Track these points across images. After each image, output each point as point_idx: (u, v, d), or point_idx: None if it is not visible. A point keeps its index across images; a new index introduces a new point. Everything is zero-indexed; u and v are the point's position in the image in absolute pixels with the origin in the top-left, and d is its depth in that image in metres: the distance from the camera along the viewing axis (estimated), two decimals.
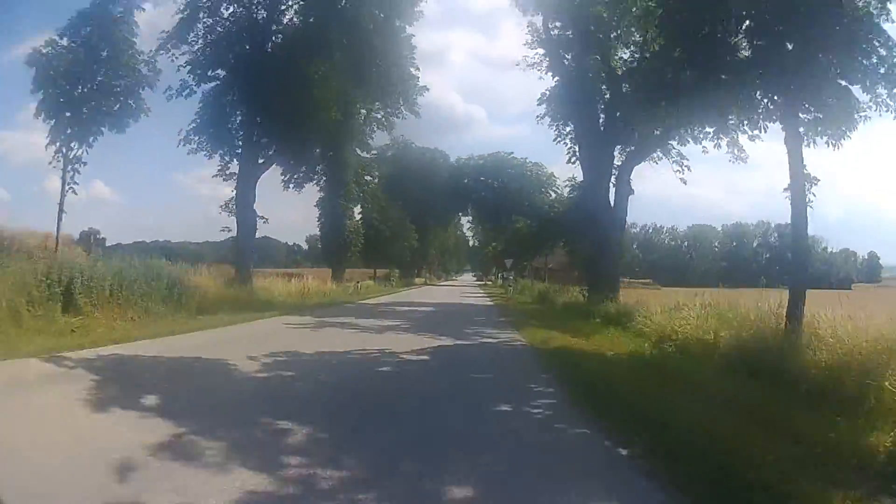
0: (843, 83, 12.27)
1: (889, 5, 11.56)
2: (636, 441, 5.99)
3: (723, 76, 13.41)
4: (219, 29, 28.25)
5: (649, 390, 8.63)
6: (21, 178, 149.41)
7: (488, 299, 42.71)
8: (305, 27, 28.93)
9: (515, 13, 28.50)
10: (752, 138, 14.76)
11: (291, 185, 37.88)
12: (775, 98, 12.88)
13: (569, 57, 26.33)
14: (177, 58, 28.03)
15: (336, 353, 11.88)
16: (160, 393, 7.67)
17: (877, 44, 11.55)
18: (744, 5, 12.67)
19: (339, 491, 4.57)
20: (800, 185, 12.76)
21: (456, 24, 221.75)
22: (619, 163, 27.44)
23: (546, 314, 25.75)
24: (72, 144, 25.65)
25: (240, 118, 29.35)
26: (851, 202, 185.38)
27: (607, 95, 27.04)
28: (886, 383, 7.42)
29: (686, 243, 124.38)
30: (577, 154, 28.51)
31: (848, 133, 12.77)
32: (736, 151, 23.87)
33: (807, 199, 13.16)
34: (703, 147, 25.22)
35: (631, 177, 26.89)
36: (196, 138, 28.93)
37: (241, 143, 29.45)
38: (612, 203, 26.81)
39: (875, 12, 11.52)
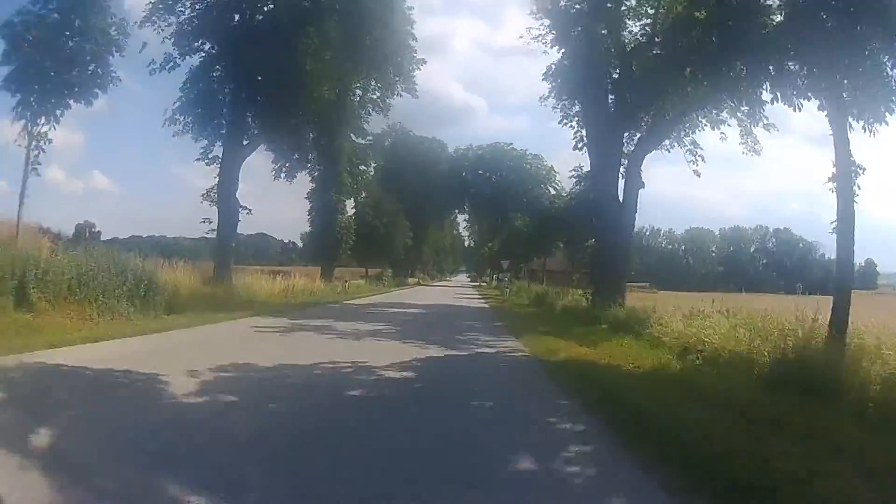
0: (885, 59, 11.10)
1: None
2: None
3: (753, 42, 12.05)
4: None
5: (703, 421, 6.58)
6: (21, 169, 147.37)
7: (483, 301, 40.42)
8: None
9: None
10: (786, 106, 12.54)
11: (283, 174, 35.63)
12: (813, 70, 11.62)
13: (578, 29, 23.85)
14: (162, 30, 26.15)
15: (299, 368, 9.61)
16: (43, 425, 5.53)
17: None
18: None
19: None
20: (846, 173, 11.41)
21: (457, 12, 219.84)
22: (628, 152, 25.22)
23: (546, 319, 23.58)
24: (39, 120, 23.09)
25: (227, 95, 27.25)
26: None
27: (616, 74, 24.77)
28: None
29: (683, 247, 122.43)
30: (585, 139, 26.17)
31: (888, 115, 11.19)
32: (750, 142, 22.75)
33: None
34: (722, 133, 23.68)
35: (641, 168, 24.77)
36: (182, 118, 26.75)
37: (226, 122, 27.29)
38: (620, 197, 24.52)
39: None
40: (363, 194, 51.56)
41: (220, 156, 27.25)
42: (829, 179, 11.41)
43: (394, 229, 56.84)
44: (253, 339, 13.73)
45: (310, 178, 41.19)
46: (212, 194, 27.62)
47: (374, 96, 38.32)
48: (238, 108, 27.11)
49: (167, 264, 21.83)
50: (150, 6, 25.80)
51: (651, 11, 22.75)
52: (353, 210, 50.55)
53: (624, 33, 24.42)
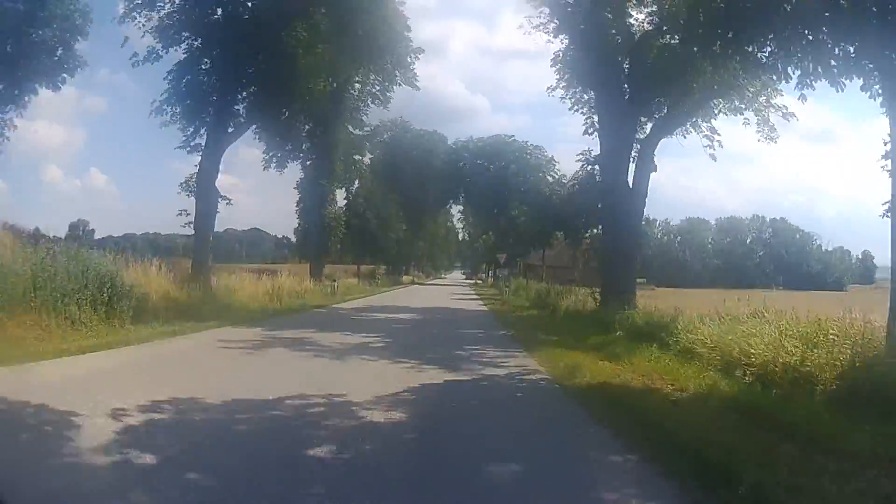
0: None
1: None
2: None
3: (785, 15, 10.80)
4: None
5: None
6: (19, 168, 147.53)
7: (481, 303, 37.97)
8: None
9: None
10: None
11: (273, 164, 33.85)
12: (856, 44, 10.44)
13: (581, 16, 21.66)
14: (143, 25, 24.35)
15: (256, 406, 7.28)
16: None
17: None
18: None
19: None
20: None
21: (458, 13, 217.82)
22: (641, 138, 23.34)
23: (553, 324, 21.36)
24: (7, 108, 23.98)
25: (214, 85, 25.21)
26: (844, 200, 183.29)
27: (627, 63, 22.69)
28: None
29: (679, 238, 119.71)
30: (596, 124, 24.14)
31: None
32: (767, 130, 21.55)
33: None
34: (745, 118, 22.14)
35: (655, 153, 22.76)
36: (169, 109, 24.75)
37: (212, 109, 25.24)
38: (629, 183, 22.37)
39: None
40: (356, 184, 49.36)
41: (203, 143, 25.37)
42: (884, 157, 10.58)
43: (387, 221, 54.31)
44: (214, 358, 11.43)
45: (300, 168, 39.12)
46: (190, 184, 25.41)
47: (375, 89, 36.71)
48: (225, 94, 25.27)
49: (140, 263, 19.62)
50: (127, 2, 24.22)
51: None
52: (345, 201, 48.59)
53: (630, 21, 22.52)
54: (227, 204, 26.11)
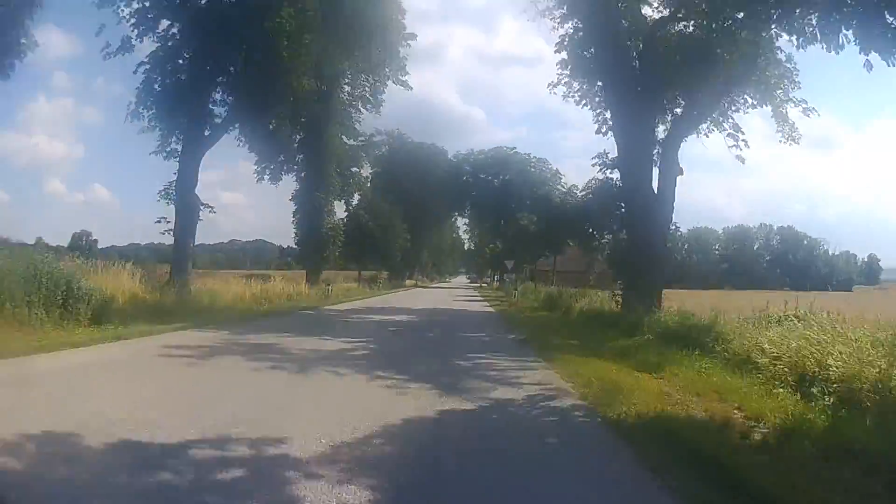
0: None
1: None
2: None
3: None
4: None
5: None
6: (21, 180, 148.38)
7: (486, 304, 34.90)
8: None
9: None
10: None
11: (266, 177, 32.78)
12: None
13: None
14: (122, 10, 22.03)
15: (129, 459, 4.57)
16: None
17: None
18: None
19: None
20: None
21: (455, 20, 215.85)
22: (662, 138, 20.81)
23: (568, 326, 18.63)
24: None
25: (192, 82, 22.71)
26: (847, 204, 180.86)
27: (638, 50, 20.02)
28: None
29: (686, 245, 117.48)
30: (609, 121, 21.33)
31: None
32: (787, 129, 19.56)
33: None
34: (772, 112, 19.85)
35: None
36: (145, 112, 22.45)
37: (187, 110, 22.81)
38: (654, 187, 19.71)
39: None
40: (356, 196, 47.49)
41: (180, 149, 23.23)
42: None
43: (390, 232, 52.03)
44: (137, 370, 8.65)
45: (295, 179, 37.29)
46: (169, 192, 23.07)
47: (365, 92, 35.53)
48: (201, 92, 22.96)
49: (114, 268, 18.69)
50: None
51: None
52: (346, 213, 46.83)
53: (642, 6, 20.09)
54: (209, 212, 24.32)
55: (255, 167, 31.85)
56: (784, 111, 19.50)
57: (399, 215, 55.46)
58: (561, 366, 9.77)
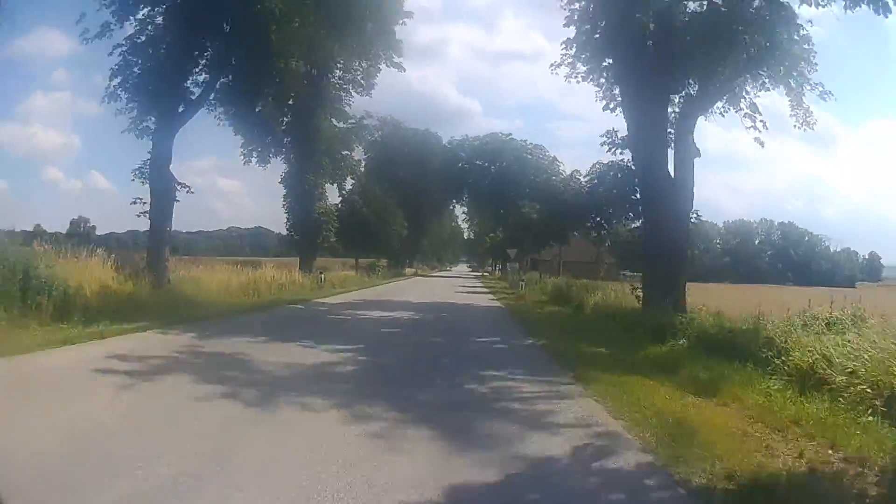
0: None
1: None
2: None
3: None
4: None
5: None
6: (20, 169, 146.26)
7: (492, 297, 32.30)
8: None
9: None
10: None
11: (254, 159, 30.10)
12: None
13: None
14: None
15: None
16: None
17: None
18: None
19: None
20: None
21: (452, 16, 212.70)
22: (675, 117, 18.66)
23: (586, 327, 16.45)
24: None
25: (171, 54, 20.24)
26: (849, 202, 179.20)
27: (652, 24, 17.80)
28: None
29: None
30: (618, 97, 19.13)
31: None
32: (801, 114, 17.94)
33: None
34: (787, 95, 17.70)
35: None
36: (123, 94, 19.97)
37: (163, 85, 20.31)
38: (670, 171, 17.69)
39: None
40: (349, 181, 45.04)
41: (153, 126, 20.78)
42: None
43: (387, 218, 49.89)
44: (54, 399, 6.26)
45: (283, 161, 34.83)
46: (144, 170, 20.88)
47: (358, 76, 33.39)
48: (181, 71, 20.73)
49: (84, 255, 16.11)
50: None
51: None
52: (340, 198, 44.56)
53: None
54: (187, 192, 21.45)
55: (242, 150, 29.68)
56: (800, 94, 17.60)
57: (394, 202, 53.69)
58: (600, 389, 7.55)
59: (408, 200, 58.80)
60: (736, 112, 18.62)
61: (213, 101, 22.80)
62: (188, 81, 21.26)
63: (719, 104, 18.63)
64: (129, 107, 20.22)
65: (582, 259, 43.89)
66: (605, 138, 22.89)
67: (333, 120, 36.53)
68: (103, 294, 14.47)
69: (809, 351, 9.15)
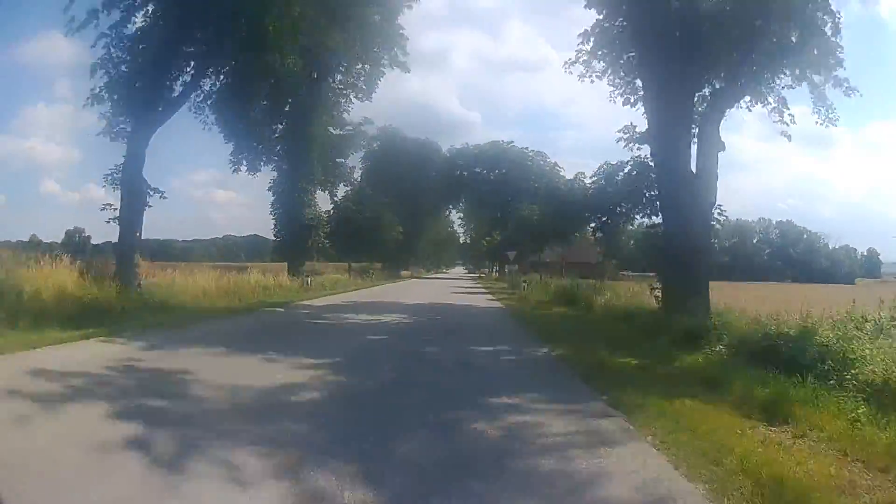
0: None
1: None
2: None
3: None
4: None
5: None
6: (17, 182, 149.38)
7: (492, 297, 30.41)
8: None
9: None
10: None
11: (244, 167, 28.26)
12: None
13: None
14: None
15: None
16: None
17: None
18: None
19: None
20: None
21: (454, 25, 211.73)
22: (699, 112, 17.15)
23: (601, 331, 14.52)
24: None
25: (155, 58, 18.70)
26: (840, 202, 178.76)
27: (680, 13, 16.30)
28: None
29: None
30: (640, 90, 17.70)
31: None
32: (824, 111, 16.81)
33: None
34: (811, 91, 16.32)
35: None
36: (109, 97, 18.51)
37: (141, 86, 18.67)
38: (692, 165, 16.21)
39: None
40: (342, 187, 44.17)
41: (129, 128, 19.22)
42: None
43: (380, 224, 48.28)
44: None
45: (273, 169, 33.45)
46: (115, 175, 19.30)
47: (359, 80, 31.84)
48: (166, 69, 19.22)
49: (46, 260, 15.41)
50: None
51: None
52: (332, 205, 43.51)
53: None
54: (160, 197, 19.58)
55: (231, 157, 27.93)
56: (823, 90, 16.27)
57: (390, 207, 52.47)
58: (650, 423, 5.62)
59: (404, 205, 57.89)
60: (763, 106, 17.36)
61: (201, 105, 21.53)
62: (176, 81, 19.81)
63: (746, 98, 17.22)
64: (110, 109, 18.79)
65: (583, 260, 42.15)
66: (621, 133, 21.24)
67: (330, 128, 35.27)
68: (61, 299, 13.56)
69: (880, 360, 7.56)
